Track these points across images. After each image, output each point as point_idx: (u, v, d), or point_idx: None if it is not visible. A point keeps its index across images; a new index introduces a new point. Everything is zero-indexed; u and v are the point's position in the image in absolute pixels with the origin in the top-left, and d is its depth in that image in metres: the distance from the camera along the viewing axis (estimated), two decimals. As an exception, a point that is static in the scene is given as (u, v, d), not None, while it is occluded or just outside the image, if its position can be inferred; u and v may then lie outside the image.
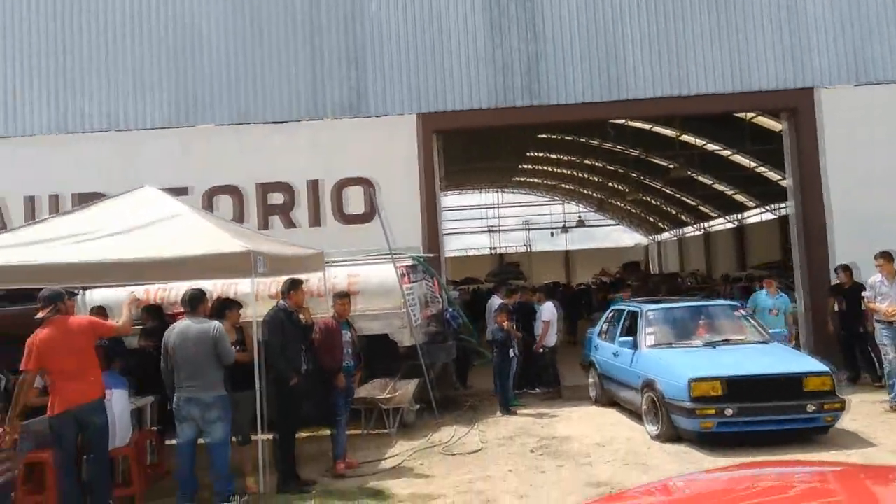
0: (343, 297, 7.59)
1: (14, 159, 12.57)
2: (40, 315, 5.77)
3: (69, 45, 12.83)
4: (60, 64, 12.81)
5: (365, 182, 12.38)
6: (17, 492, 6.13)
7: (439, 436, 8.49)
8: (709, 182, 33.92)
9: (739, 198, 35.78)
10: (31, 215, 12.14)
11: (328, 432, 7.45)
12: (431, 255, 11.62)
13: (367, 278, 9.47)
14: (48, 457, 6.01)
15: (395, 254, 9.94)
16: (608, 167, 34.90)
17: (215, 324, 6.31)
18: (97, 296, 9.57)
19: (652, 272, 43.54)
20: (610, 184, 39.39)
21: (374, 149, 12.31)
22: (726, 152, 28.23)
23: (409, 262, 10.16)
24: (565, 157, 34.62)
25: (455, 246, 37.99)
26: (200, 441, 6.30)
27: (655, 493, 2.92)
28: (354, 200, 12.43)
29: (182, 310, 8.49)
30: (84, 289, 9.46)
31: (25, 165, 12.49)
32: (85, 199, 10.92)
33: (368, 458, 7.63)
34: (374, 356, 8.93)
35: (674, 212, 43.45)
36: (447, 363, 10.82)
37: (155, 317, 8.70)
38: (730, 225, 39.55)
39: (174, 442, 6.88)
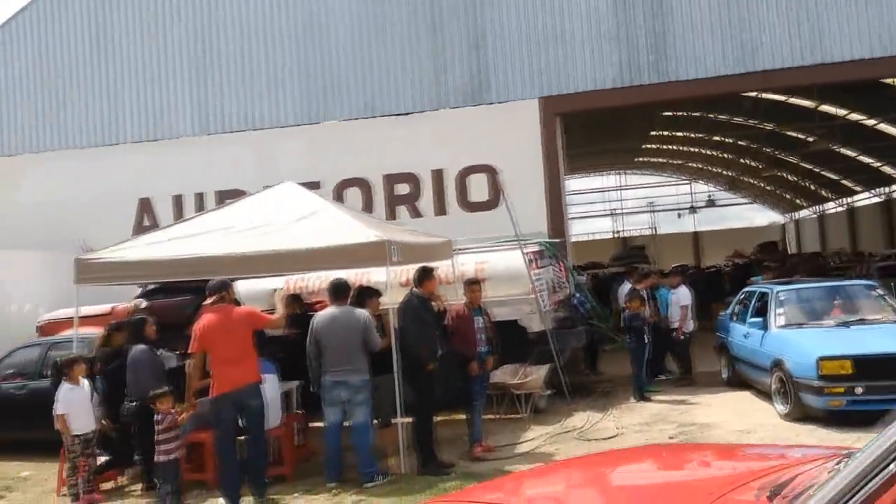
0: (475, 284, 7.65)
1: (161, 161, 13.57)
2: (208, 302, 6.22)
3: (208, 48, 13.68)
4: (201, 68, 13.68)
5: (488, 169, 12.42)
6: (186, 467, 6.68)
7: (573, 421, 8.41)
8: (852, 154, 31.37)
9: (887, 170, 32.86)
10: (178, 213, 13.10)
11: (463, 416, 7.56)
12: (557, 240, 11.50)
13: (494, 265, 9.50)
14: (208, 437, 6.48)
15: (521, 239, 9.90)
16: (739, 143, 33.04)
17: (364, 313, 6.55)
18: (240, 287, 10.16)
19: (790, 252, 40.91)
20: (742, 160, 37.29)
21: (496, 135, 12.31)
22: (871, 122, 26.00)
23: (537, 248, 10.09)
24: (692, 135, 33.10)
25: (578, 230, 37.34)
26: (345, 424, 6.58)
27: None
28: (478, 188, 12.50)
29: (320, 299, 8.96)
30: (233, 280, 10.06)
31: (171, 166, 13.46)
32: (226, 197, 11.67)
33: (504, 443, 7.68)
34: (503, 342, 8.96)
35: (813, 187, 40.55)
36: (577, 349, 10.67)
37: (297, 306, 9.12)
38: (876, 199, 36.42)
39: (317, 424, 7.26)
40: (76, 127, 14.64)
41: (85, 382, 6.88)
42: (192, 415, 6.30)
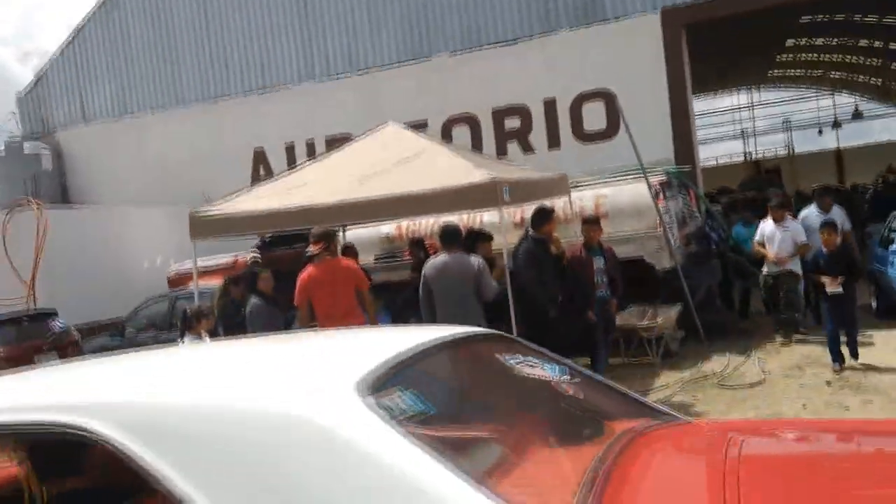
0: (593, 222, 7.04)
1: (270, 111, 13.64)
2: (312, 251, 6.02)
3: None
4: (302, 15, 13.48)
5: (604, 95, 11.50)
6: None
7: (711, 366, 7.72)
8: None
9: None
10: (290, 162, 13.16)
11: (587, 362, 7.08)
12: (686, 167, 10.53)
13: (615, 199, 8.79)
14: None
15: (645, 169, 9.08)
16: (891, 46, 29.43)
17: (477, 259, 6.16)
18: (358, 233, 10.03)
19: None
20: (894, 66, 33.34)
21: (612, 57, 11.35)
22: None
23: (662, 177, 9.24)
24: (834, 41, 29.79)
25: (704, 155, 34.94)
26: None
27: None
28: (593, 116, 11.65)
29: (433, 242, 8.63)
30: (343, 227, 9.96)
31: (280, 116, 13.50)
32: (334, 143, 11.52)
33: (633, 390, 7.12)
34: (628, 282, 8.33)
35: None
36: (711, 285, 9.82)
37: (419, 250, 8.85)
38: None
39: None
40: (191, 84, 14.97)
41: (206, 335, 6.94)
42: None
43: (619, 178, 9.40)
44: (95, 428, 1.56)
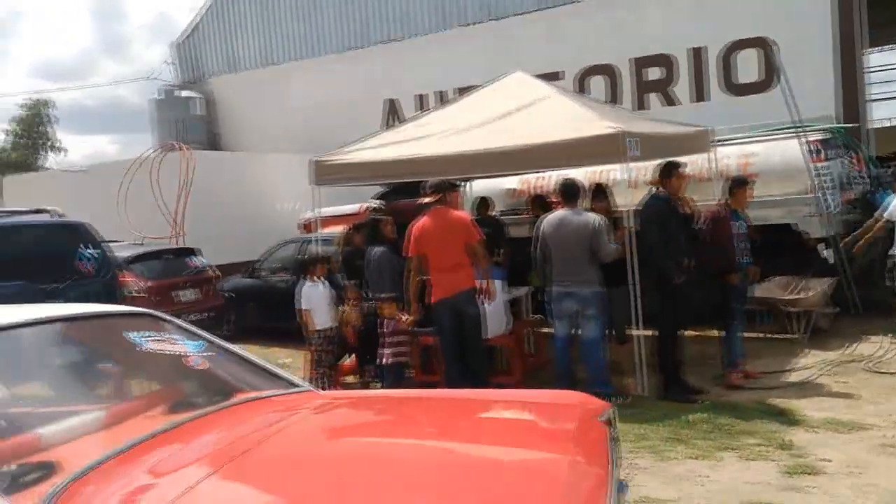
0: (742, 183, 6.38)
1: (404, 61, 13.56)
2: (425, 200, 5.86)
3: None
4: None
5: (760, 42, 10.43)
6: (415, 372, 6.65)
7: (863, 348, 6.88)
8: None
9: None
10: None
11: (717, 334, 6.52)
12: (850, 125, 9.35)
13: (766, 158, 7.96)
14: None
15: (801, 126, 8.13)
16: None
17: (596, 217, 5.77)
18: (482, 186, 9.81)
19: None
20: None
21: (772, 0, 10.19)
22: None
23: (821, 136, 8.24)
24: None
25: (881, 115, 31.28)
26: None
27: None
28: (747, 66, 10.61)
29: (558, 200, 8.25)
30: (466, 180, 9.75)
31: (413, 66, 13.39)
32: (465, 93, 11.25)
33: (770, 369, 6.51)
34: (774, 250, 7.56)
35: None
36: (874, 258, 8.74)
37: (540, 207, 8.53)
38: None
39: (548, 332, 6.76)
40: (331, 34, 15.20)
41: (322, 281, 7.05)
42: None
43: (771, 135, 8.50)
44: None
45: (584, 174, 7.73)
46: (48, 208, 7.58)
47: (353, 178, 7.31)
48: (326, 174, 7.19)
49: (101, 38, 65.26)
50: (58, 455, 1.94)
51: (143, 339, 2.55)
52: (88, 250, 7.25)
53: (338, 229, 9.02)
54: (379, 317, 6.09)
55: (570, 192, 5.91)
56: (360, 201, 10.55)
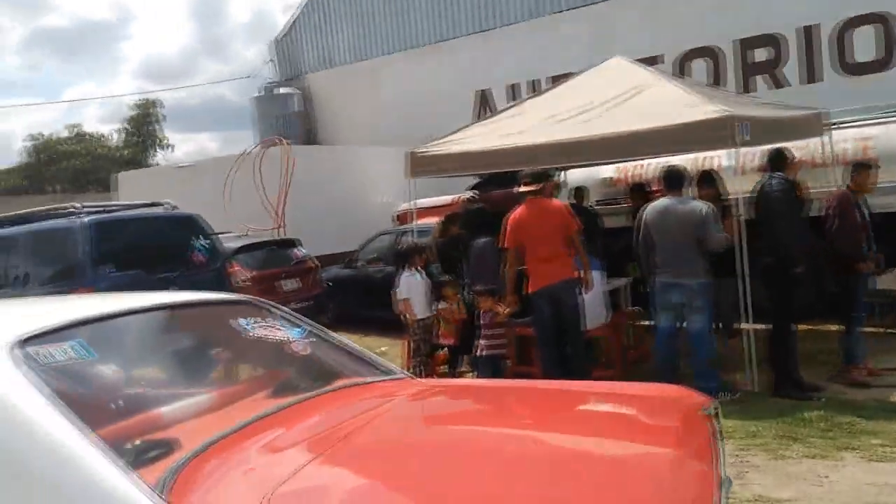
0: (865, 167, 6.01)
1: (495, 51, 13.47)
2: (523, 190, 5.81)
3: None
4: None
5: (879, 18, 9.74)
6: (511, 362, 6.62)
7: None
8: None
9: None
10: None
11: (830, 328, 6.17)
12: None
13: (887, 141, 7.43)
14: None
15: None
16: None
17: (703, 205, 5.56)
18: (577, 175, 9.65)
19: None
20: None
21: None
22: None
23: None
24: None
25: None
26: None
27: None
28: (863, 44, 9.94)
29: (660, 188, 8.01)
30: (562, 169, 9.62)
31: (505, 55, 13.29)
32: (560, 82, 11.09)
33: (891, 365, 6.10)
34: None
35: None
36: None
37: (639, 196, 8.31)
38: None
39: (649, 324, 6.59)
40: (422, 27, 15.30)
41: (420, 271, 7.12)
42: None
43: (891, 117, 7.93)
44: None
45: (684, 162, 7.47)
46: (162, 202, 8.00)
47: (448, 169, 7.33)
48: (422, 166, 7.25)
49: (202, 39, 68.36)
50: (176, 433, 2.04)
51: (249, 325, 2.65)
52: (200, 241, 7.61)
53: (432, 220, 9.11)
54: (476, 308, 6.09)
55: (674, 178, 5.72)
56: (453, 192, 10.61)
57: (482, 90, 13.93)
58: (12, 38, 61.26)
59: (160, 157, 34.24)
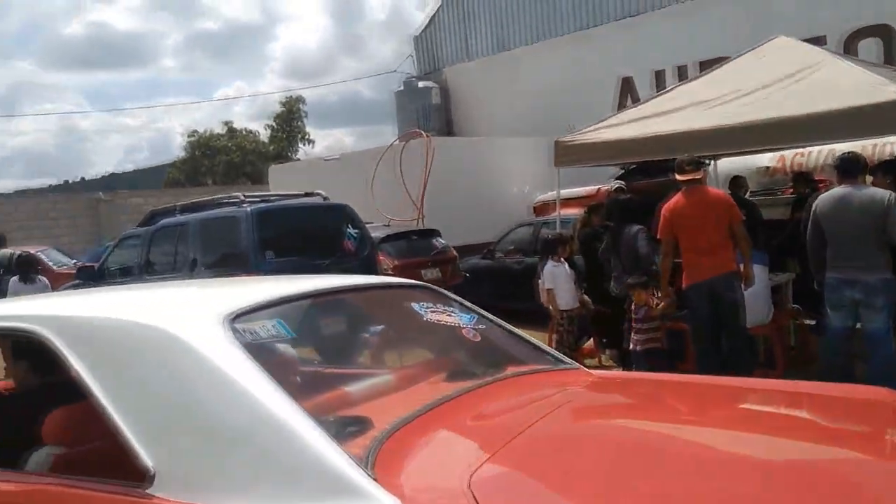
0: None
1: (640, 37, 13.02)
2: (684, 178, 5.57)
3: None
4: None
5: None
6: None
7: None
8: None
9: None
10: (659, 89, 12.49)
11: None
12: None
13: None
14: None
15: None
16: None
17: (887, 193, 5.08)
18: (728, 165, 9.17)
19: None
20: None
21: None
22: None
23: None
24: None
25: None
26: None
27: None
28: None
29: (824, 177, 7.45)
30: (713, 157, 9.16)
31: (650, 41, 12.82)
32: (708, 66, 10.57)
33: None
34: None
35: None
36: None
37: (805, 186, 7.78)
38: None
39: (809, 323, 6.14)
40: (563, 16, 15.07)
41: (563, 262, 7.02)
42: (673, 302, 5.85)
43: None
44: (38, 331, 2.15)
45: (854, 149, 6.89)
46: (315, 192, 8.39)
47: (595, 158, 7.18)
48: (568, 155, 7.14)
49: (340, 38, 71.12)
50: (367, 411, 2.09)
51: (424, 309, 2.69)
52: (351, 230, 7.91)
53: (573, 211, 8.96)
54: (627, 301, 5.91)
55: (852, 165, 5.25)
56: (593, 183, 10.39)
57: (625, 77, 13.53)
58: (170, 42, 66.59)
59: (302, 151, 36.14)
